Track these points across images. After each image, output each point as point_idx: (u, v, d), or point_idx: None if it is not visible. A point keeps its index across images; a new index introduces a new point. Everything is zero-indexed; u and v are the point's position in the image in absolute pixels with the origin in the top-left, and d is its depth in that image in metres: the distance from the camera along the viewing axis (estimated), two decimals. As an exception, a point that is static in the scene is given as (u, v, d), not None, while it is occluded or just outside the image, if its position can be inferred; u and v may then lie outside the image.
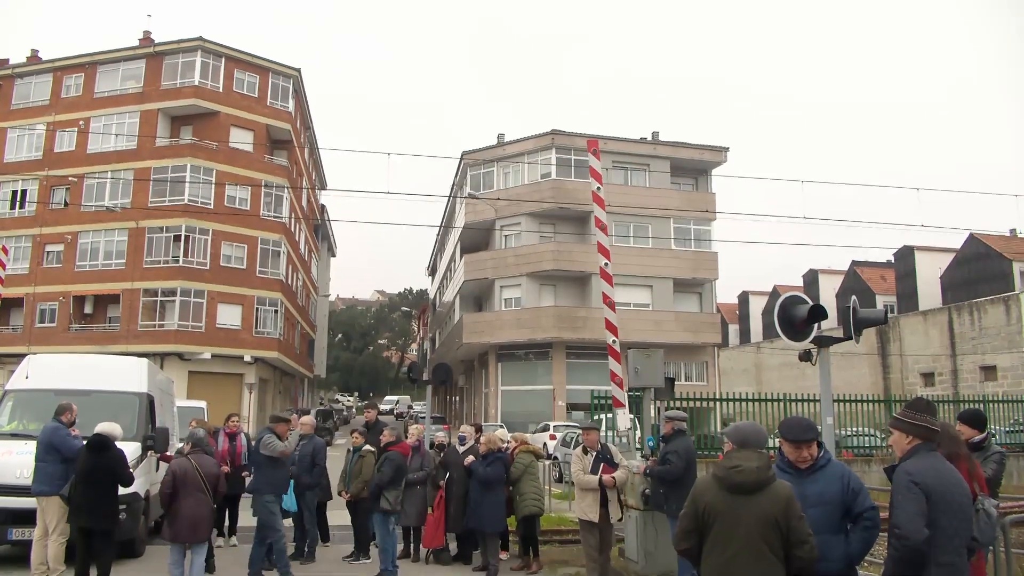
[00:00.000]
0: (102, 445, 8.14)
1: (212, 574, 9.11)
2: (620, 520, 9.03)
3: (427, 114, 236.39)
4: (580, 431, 10.37)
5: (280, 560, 9.04)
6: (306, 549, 10.45)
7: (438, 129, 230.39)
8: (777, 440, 16.36)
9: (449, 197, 47.70)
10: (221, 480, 8.90)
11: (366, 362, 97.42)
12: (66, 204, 38.04)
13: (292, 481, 10.11)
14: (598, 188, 11.99)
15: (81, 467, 8.16)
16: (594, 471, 8.84)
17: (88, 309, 38.35)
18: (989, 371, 37.31)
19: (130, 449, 10.29)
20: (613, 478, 8.72)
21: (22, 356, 12.78)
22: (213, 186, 37.38)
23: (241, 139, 39.38)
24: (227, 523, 11.36)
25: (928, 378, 40.55)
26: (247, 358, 38.03)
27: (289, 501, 10.02)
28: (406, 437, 10.77)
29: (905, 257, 47.81)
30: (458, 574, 10.00)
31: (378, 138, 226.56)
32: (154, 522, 11.47)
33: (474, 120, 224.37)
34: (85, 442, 8.38)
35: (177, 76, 38.76)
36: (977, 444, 6.17)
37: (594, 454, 9.01)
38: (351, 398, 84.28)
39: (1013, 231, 46.62)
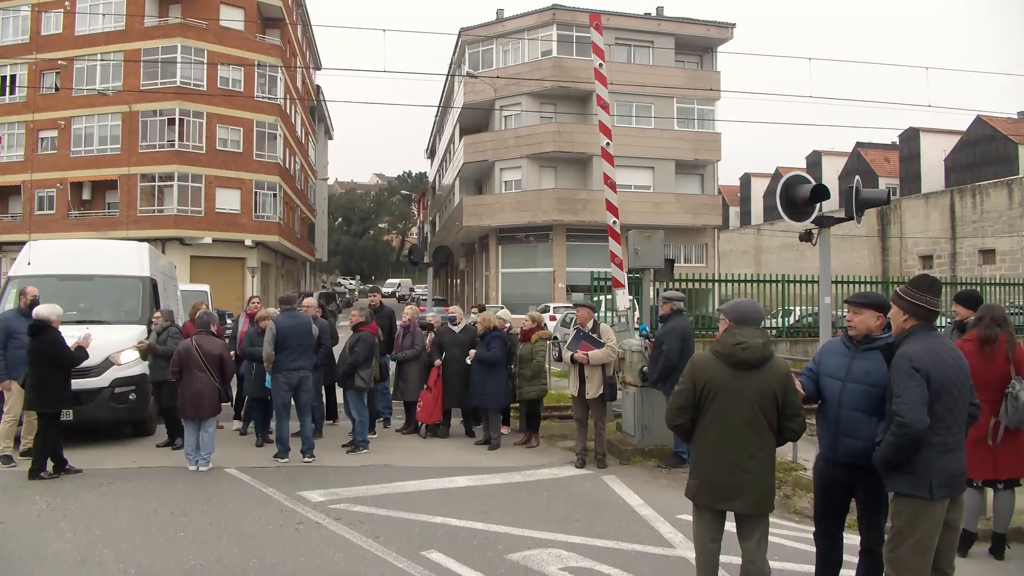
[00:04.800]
0: (36, 329, 8.23)
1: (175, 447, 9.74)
2: (598, 398, 9.00)
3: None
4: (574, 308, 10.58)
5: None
6: (313, 426, 10.71)
7: (435, 4, 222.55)
8: (772, 320, 16.44)
9: (447, 76, 46.56)
10: (225, 360, 9.06)
11: (367, 246, 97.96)
12: (57, 89, 37.10)
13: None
14: (600, 65, 11.69)
15: (27, 352, 8.35)
16: (572, 347, 9.08)
17: (86, 195, 38.14)
18: (988, 254, 37.32)
19: (136, 332, 10.47)
20: (586, 355, 8.91)
21: (22, 244, 12.65)
22: (205, 67, 36.45)
23: (231, 17, 37.98)
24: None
25: (927, 260, 40.62)
26: (248, 242, 38.12)
27: (269, 380, 10.07)
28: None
29: (910, 139, 46.99)
30: (461, 448, 10.29)
31: (373, 14, 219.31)
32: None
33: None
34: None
35: (161, -50, 37.12)
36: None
37: (575, 331, 9.23)
38: (353, 281, 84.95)
39: (1021, 114, 45.62)
